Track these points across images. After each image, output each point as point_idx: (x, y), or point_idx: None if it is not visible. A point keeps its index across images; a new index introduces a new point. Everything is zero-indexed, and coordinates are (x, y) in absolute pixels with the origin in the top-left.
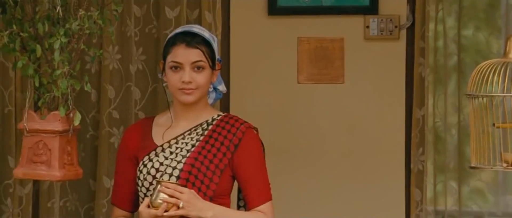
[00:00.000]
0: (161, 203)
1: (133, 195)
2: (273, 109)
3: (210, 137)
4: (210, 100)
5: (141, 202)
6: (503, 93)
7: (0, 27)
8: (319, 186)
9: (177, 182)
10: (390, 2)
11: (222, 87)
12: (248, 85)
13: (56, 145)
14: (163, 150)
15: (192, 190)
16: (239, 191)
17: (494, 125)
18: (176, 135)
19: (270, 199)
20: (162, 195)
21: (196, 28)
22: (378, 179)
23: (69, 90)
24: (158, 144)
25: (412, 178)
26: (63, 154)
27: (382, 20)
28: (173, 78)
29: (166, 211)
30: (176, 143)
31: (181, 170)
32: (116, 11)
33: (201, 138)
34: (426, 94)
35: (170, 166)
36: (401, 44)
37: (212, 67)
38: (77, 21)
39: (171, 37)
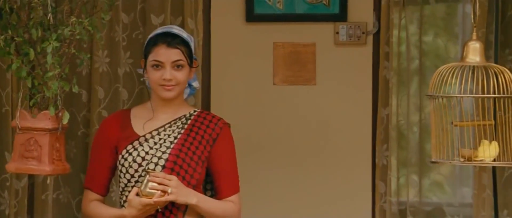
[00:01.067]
0: (151, 192)
1: (108, 181)
2: (250, 108)
3: (191, 130)
4: (185, 96)
5: (121, 187)
6: (460, 94)
7: None
8: (291, 179)
9: (163, 171)
10: (357, 10)
11: (196, 84)
12: (227, 86)
13: (46, 141)
14: (146, 140)
15: (177, 178)
16: (206, 182)
17: (452, 123)
18: (157, 126)
19: (239, 191)
20: (151, 184)
21: (176, 29)
22: (346, 173)
23: (59, 91)
24: (140, 134)
25: (377, 172)
26: (53, 150)
27: (350, 26)
28: (154, 76)
29: None
30: (158, 134)
31: (166, 160)
32: (104, 18)
33: (182, 131)
34: (390, 95)
35: (155, 156)
36: (368, 49)
37: (190, 65)
38: (69, 27)
39: (152, 37)
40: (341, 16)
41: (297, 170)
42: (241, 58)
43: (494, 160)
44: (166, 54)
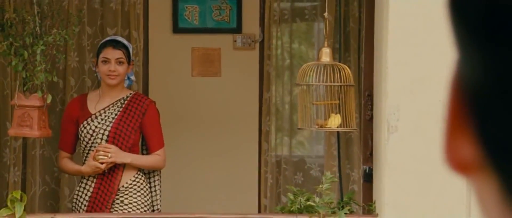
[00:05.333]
0: (100, 157)
1: (73, 144)
2: (176, 93)
3: (126, 108)
4: (125, 85)
5: (82, 149)
6: (317, 83)
7: (0, 40)
8: (203, 140)
9: (107, 140)
10: (249, 25)
11: (132, 77)
12: (160, 78)
13: (36, 115)
14: (96, 117)
15: (115, 146)
16: (143, 143)
17: (312, 102)
18: (103, 106)
19: (163, 146)
20: (100, 153)
21: (119, 38)
22: (241, 136)
23: (44, 80)
24: (92, 112)
25: (262, 136)
26: (40, 121)
27: (244, 37)
28: (103, 68)
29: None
30: (104, 112)
31: (109, 131)
32: (74, 30)
33: (120, 109)
34: (271, 84)
35: (101, 128)
36: (256, 52)
37: (128, 63)
38: (51, 36)
39: (103, 42)
40: (238, 29)
41: (207, 134)
42: (169, 58)
43: (338, 127)
44: (112, 53)
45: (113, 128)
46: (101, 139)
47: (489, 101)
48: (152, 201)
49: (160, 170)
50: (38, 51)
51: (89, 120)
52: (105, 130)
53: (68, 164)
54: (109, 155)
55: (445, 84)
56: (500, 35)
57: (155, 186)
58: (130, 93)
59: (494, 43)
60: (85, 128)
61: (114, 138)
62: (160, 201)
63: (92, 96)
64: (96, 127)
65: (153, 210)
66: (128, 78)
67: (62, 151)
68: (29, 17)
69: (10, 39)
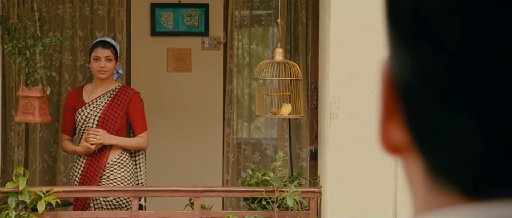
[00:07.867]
0: (90, 140)
1: (72, 128)
2: (153, 86)
3: (114, 98)
4: (114, 78)
5: (77, 132)
6: (271, 77)
7: (6, 41)
8: (177, 125)
9: (97, 124)
10: (215, 29)
11: (121, 71)
12: (140, 74)
13: (37, 104)
14: (89, 105)
15: (104, 130)
16: (130, 128)
17: (267, 94)
18: (95, 97)
19: (147, 129)
20: (90, 135)
21: (108, 39)
22: (207, 123)
23: (43, 75)
24: (86, 101)
25: (225, 121)
26: (41, 109)
27: (210, 39)
28: (94, 65)
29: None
30: (96, 101)
31: (99, 117)
32: (68, 33)
33: (109, 99)
34: (233, 78)
35: (93, 115)
36: (221, 52)
37: (116, 60)
38: (49, 38)
39: (94, 43)
40: (205, 32)
41: (179, 120)
42: (148, 57)
43: (289, 114)
44: (102, 52)
45: (102, 114)
46: (92, 123)
47: (414, 94)
48: (137, 177)
49: (145, 150)
50: (38, 51)
51: (83, 107)
52: (95, 116)
53: (68, 145)
54: (98, 138)
55: (377, 78)
56: (424, 36)
57: (140, 163)
58: (119, 85)
59: (420, 43)
60: (80, 114)
61: (103, 123)
62: (145, 177)
63: (87, 88)
64: (88, 113)
65: (138, 184)
66: (117, 71)
67: (64, 134)
68: (29, 23)
69: (15, 41)
